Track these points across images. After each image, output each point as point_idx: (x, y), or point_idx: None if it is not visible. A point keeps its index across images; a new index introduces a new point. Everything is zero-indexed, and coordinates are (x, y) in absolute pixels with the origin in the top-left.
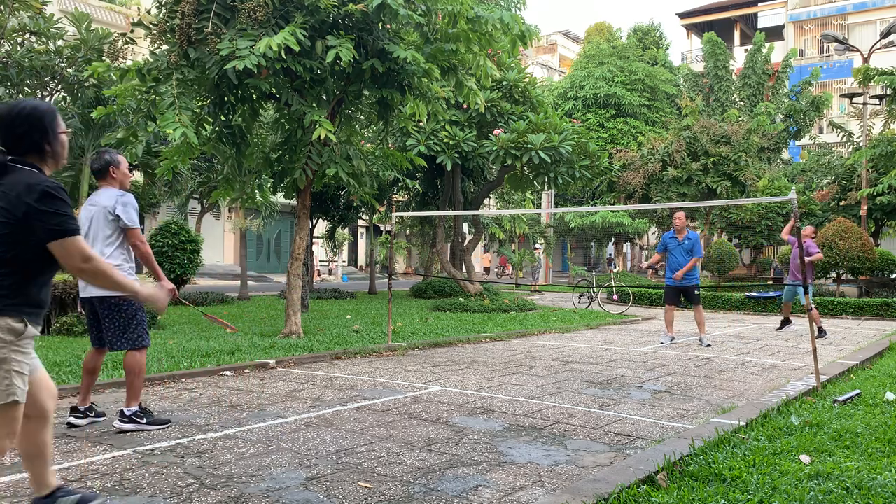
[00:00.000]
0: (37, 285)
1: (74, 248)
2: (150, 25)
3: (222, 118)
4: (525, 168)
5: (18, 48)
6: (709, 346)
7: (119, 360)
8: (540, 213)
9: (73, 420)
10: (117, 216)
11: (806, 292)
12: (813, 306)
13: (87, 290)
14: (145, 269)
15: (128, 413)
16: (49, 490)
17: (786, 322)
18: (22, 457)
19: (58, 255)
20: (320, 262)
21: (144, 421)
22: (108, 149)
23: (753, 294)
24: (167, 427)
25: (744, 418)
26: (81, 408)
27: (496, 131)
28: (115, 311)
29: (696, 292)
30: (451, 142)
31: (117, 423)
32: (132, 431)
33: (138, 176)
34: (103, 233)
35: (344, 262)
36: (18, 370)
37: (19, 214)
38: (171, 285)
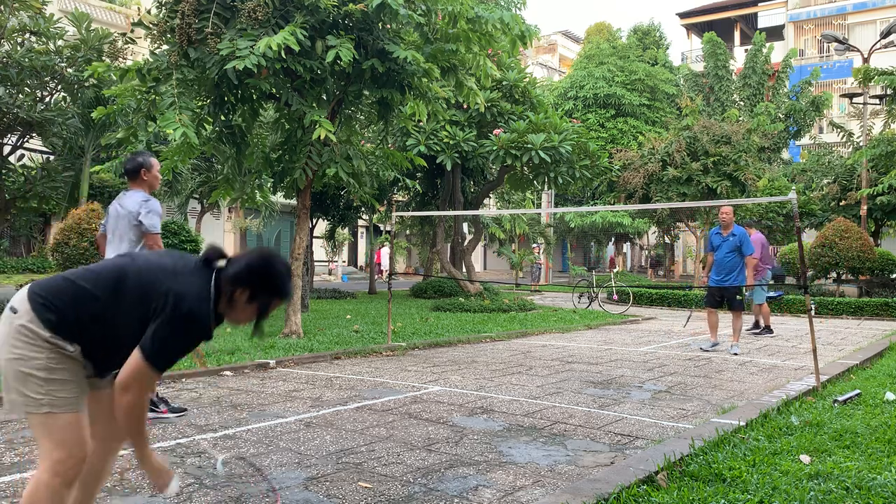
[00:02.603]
0: None
1: None
2: (150, 25)
3: (222, 118)
4: (525, 168)
5: (18, 48)
6: (736, 354)
7: None
8: (540, 213)
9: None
10: (140, 221)
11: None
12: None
13: None
14: None
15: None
16: None
17: (756, 325)
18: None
19: None
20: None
21: (164, 409)
22: (143, 151)
23: None
24: (184, 414)
25: (744, 418)
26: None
27: (496, 131)
28: None
29: (737, 297)
30: (451, 142)
31: None
32: (152, 420)
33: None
34: (128, 237)
35: (344, 262)
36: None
37: None
38: None
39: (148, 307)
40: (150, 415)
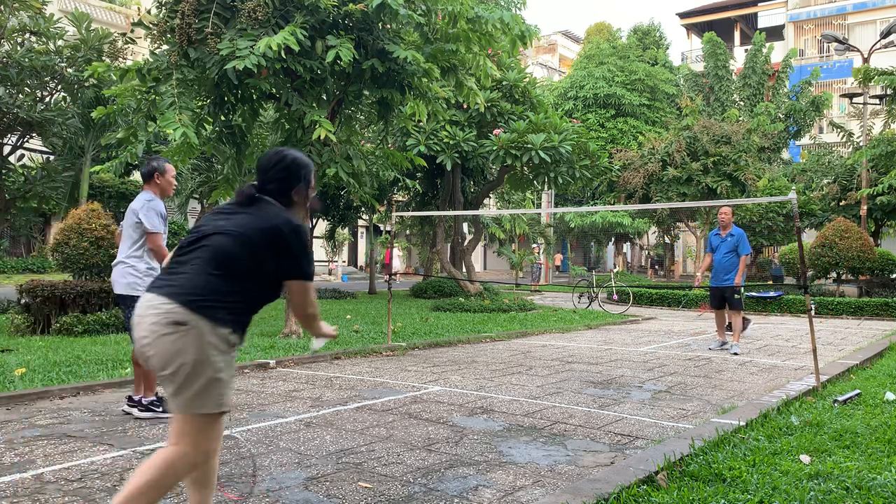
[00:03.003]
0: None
1: None
2: (150, 25)
3: (222, 118)
4: (525, 168)
5: (18, 48)
6: (736, 354)
7: (120, 360)
8: (540, 213)
9: (130, 409)
10: (139, 220)
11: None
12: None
13: (115, 287)
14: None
15: (145, 402)
16: None
17: (745, 321)
18: (190, 481)
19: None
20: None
21: (160, 409)
22: (159, 156)
23: (753, 294)
24: None
25: (744, 418)
26: (144, 400)
27: (496, 131)
28: (127, 308)
29: (735, 296)
30: (451, 142)
31: (135, 412)
32: (150, 419)
33: (138, 176)
34: (129, 235)
35: (344, 262)
36: (229, 381)
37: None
38: None
39: (270, 255)
40: (148, 414)
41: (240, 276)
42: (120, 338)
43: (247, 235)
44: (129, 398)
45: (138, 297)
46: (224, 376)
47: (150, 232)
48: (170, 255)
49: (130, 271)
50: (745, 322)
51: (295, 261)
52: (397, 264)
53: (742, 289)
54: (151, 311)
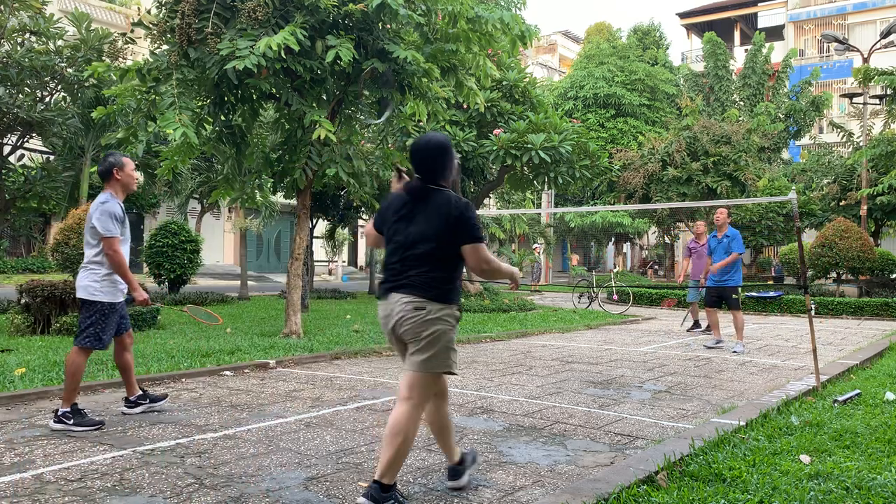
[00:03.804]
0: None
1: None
2: (150, 25)
3: (222, 118)
4: (525, 168)
5: (18, 48)
6: (736, 352)
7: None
8: (540, 213)
9: (125, 410)
10: (93, 225)
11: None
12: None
13: (77, 290)
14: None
15: (59, 413)
16: (458, 457)
17: (696, 324)
18: (434, 431)
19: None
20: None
21: (71, 422)
22: (114, 152)
23: (753, 294)
24: (97, 429)
25: (744, 418)
26: (132, 398)
27: (496, 131)
28: (83, 309)
29: (734, 296)
30: (451, 142)
31: (51, 423)
32: (61, 431)
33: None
34: (86, 238)
35: (344, 262)
36: (455, 347)
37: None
38: (144, 295)
39: (454, 233)
40: (137, 410)
41: (447, 264)
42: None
43: (436, 234)
44: (126, 400)
45: (92, 301)
46: (452, 344)
47: (105, 237)
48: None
49: (90, 275)
50: (697, 326)
51: (469, 230)
52: None
53: (740, 289)
54: (401, 304)
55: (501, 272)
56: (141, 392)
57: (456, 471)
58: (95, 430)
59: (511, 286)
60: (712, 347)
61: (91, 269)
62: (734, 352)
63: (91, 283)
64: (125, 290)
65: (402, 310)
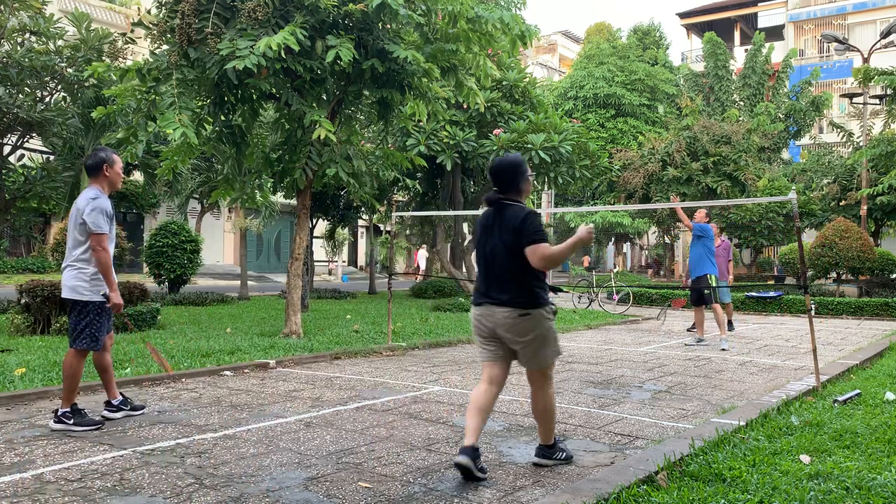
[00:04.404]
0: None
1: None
2: (150, 25)
3: (222, 118)
4: None
5: (18, 48)
6: (724, 349)
7: (119, 360)
8: (540, 213)
9: (107, 414)
10: (83, 220)
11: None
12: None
13: (63, 291)
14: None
15: (59, 413)
16: (552, 440)
17: (730, 325)
18: (536, 413)
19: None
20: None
21: (72, 422)
22: (105, 147)
23: (753, 294)
24: (98, 428)
25: (744, 418)
26: (114, 402)
27: (496, 131)
28: (73, 311)
29: (705, 291)
30: (451, 142)
31: (51, 424)
32: (61, 431)
33: (138, 176)
34: (73, 235)
35: (344, 261)
36: (556, 337)
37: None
38: (119, 301)
39: (524, 239)
40: (119, 415)
41: (531, 271)
42: (119, 338)
43: (512, 245)
44: (108, 403)
45: (84, 301)
46: (554, 337)
47: (94, 233)
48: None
49: (78, 274)
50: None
51: (533, 235)
52: (423, 264)
53: (711, 283)
54: (504, 315)
55: (567, 251)
56: (122, 398)
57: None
58: (96, 429)
59: (585, 238)
60: (693, 346)
61: (79, 269)
62: (722, 349)
63: (80, 283)
64: (104, 292)
65: (506, 318)
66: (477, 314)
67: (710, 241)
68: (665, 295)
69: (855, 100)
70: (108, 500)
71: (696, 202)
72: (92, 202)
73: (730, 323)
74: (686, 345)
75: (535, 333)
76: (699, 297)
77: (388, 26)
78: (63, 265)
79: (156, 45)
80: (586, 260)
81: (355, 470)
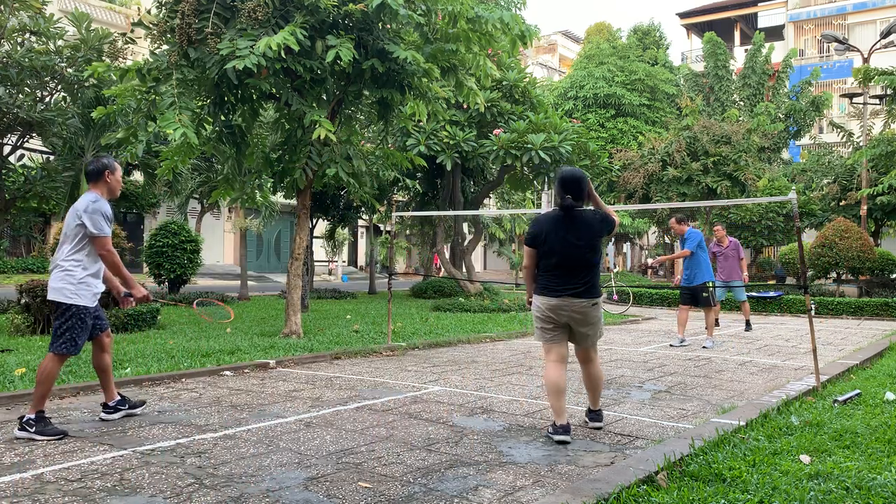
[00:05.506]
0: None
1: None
2: (150, 25)
3: (222, 118)
4: (525, 168)
5: (18, 48)
6: (705, 348)
7: (119, 360)
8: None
9: (104, 416)
10: (82, 222)
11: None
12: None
13: (49, 292)
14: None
15: (24, 420)
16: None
17: (748, 325)
18: (592, 383)
19: None
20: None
21: (34, 430)
22: (107, 154)
23: (753, 294)
24: (60, 439)
25: (744, 418)
26: (111, 403)
27: (496, 131)
28: (57, 313)
29: (703, 294)
30: (451, 142)
31: (15, 430)
32: (24, 439)
33: (138, 176)
34: (69, 237)
35: (344, 262)
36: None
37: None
38: (144, 291)
39: (599, 233)
40: (117, 416)
41: (599, 268)
42: (120, 337)
43: (589, 245)
44: (104, 405)
45: (67, 304)
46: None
47: (96, 236)
48: (528, 267)
49: (66, 277)
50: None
51: (610, 225)
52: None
53: (710, 287)
54: (581, 304)
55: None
56: (119, 397)
57: (596, 414)
58: (58, 439)
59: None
60: (676, 346)
61: (67, 270)
62: (704, 347)
63: (67, 286)
64: (99, 294)
65: (583, 307)
66: (552, 304)
67: (702, 243)
68: (665, 295)
69: (855, 100)
70: (108, 500)
71: (696, 202)
72: (92, 205)
73: (747, 323)
74: (671, 346)
75: (599, 318)
76: (692, 297)
77: (388, 26)
78: (51, 266)
79: (156, 45)
80: (606, 261)
81: (355, 470)
